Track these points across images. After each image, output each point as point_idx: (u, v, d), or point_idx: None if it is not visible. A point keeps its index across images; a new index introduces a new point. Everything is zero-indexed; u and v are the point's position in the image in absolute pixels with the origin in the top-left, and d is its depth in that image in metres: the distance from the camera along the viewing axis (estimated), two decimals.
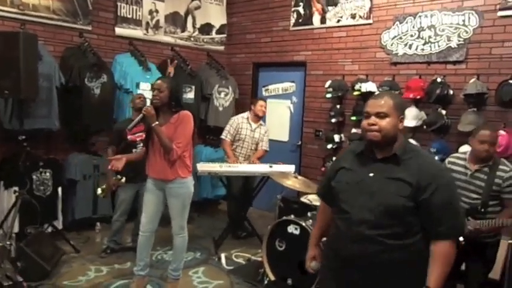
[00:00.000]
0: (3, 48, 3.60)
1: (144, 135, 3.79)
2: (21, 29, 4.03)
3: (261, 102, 4.72)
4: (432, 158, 1.80)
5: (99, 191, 3.76)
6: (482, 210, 2.64)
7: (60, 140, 4.58)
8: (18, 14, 4.18)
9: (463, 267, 2.85)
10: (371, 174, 1.76)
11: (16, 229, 3.83)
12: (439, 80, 4.11)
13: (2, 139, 4.11)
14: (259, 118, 4.75)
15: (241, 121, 4.72)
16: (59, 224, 4.37)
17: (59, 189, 4.38)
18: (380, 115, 1.73)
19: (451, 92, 4.06)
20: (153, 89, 3.09)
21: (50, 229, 4.16)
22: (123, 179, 3.74)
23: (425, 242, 1.72)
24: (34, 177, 4.15)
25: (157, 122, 2.99)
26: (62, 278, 3.51)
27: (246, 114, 4.79)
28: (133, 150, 3.86)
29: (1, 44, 3.62)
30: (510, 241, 3.43)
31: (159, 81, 3.09)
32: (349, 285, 1.80)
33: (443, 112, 4.10)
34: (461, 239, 2.69)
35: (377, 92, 4.53)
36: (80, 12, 4.66)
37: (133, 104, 4.02)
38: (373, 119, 1.74)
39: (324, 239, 2.11)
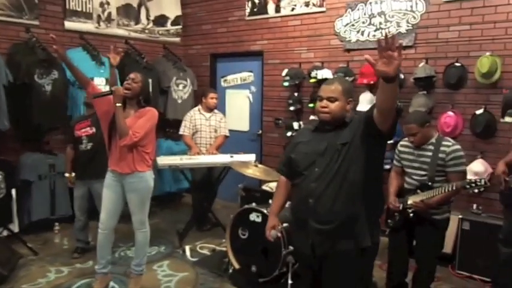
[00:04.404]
0: None
1: (89, 131, 3.77)
2: None
3: (211, 94, 4.69)
4: None
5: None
6: (430, 184, 2.77)
7: (10, 140, 4.40)
8: None
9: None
10: (324, 142, 2.05)
11: None
12: None
13: None
14: (211, 110, 4.73)
15: (193, 114, 4.72)
16: (15, 227, 4.22)
17: (13, 191, 4.21)
18: (331, 99, 2.03)
19: (402, 76, 4.18)
20: (128, 77, 3.04)
21: (5, 233, 4.01)
22: (73, 175, 3.79)
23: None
24: None
25: (120, 104, 2.92)
26: (20, 282, 3.40)
27: (197, 107, 4.79)
28: (80, 146, 3.81)
29: None
30: (460, 216, 3.63)
31: (136, 73, 3.08)
32: (314, 233, 2.04)
33: None
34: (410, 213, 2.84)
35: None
36: (26, 7, 4.46)
37: (86, 100, 3.90)
38: (324, 102, 2.04)
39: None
